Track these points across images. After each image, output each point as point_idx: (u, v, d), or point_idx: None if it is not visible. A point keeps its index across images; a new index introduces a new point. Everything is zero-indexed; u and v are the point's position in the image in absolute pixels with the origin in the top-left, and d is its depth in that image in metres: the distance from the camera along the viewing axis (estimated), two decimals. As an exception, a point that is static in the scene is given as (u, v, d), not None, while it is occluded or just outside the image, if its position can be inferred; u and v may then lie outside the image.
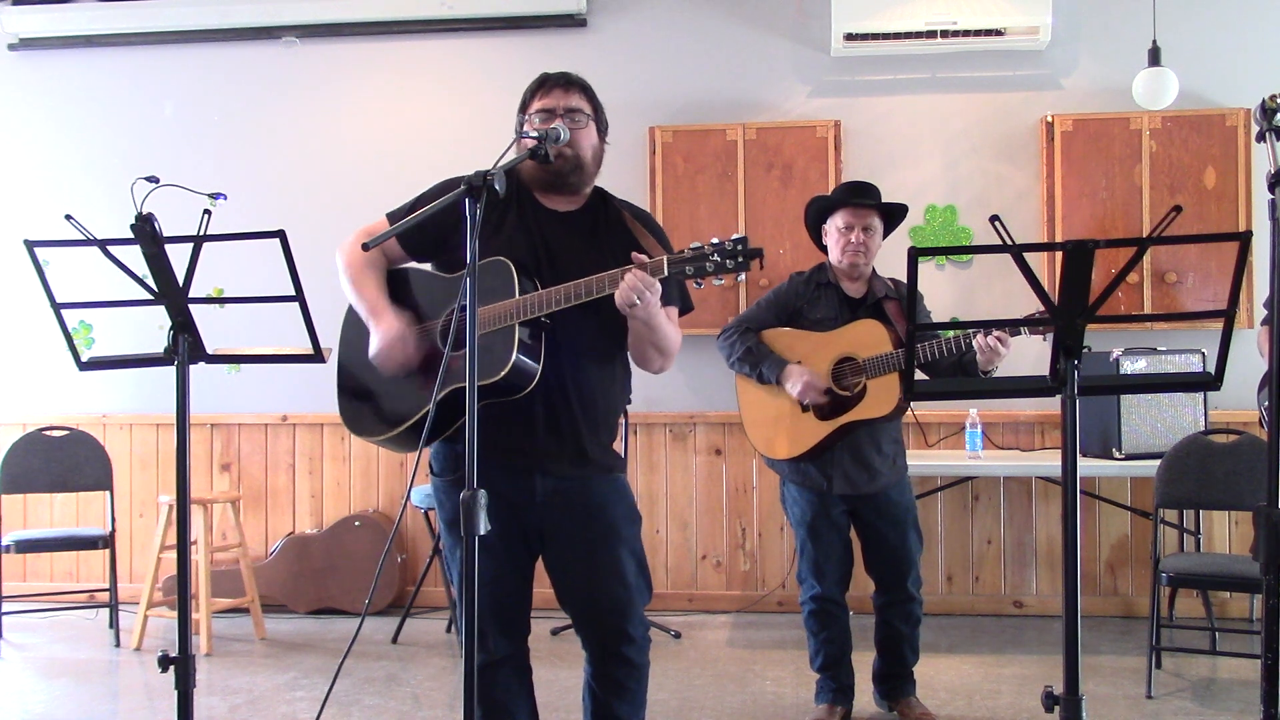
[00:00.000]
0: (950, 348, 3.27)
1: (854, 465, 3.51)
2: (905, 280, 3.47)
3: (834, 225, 3.56)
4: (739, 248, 2.21)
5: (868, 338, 3.44)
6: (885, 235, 3.62)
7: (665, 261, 2.25)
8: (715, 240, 2.23)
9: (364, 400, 2.62)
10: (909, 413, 4.37)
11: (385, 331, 2.45)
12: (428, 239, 2.52)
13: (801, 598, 3.68)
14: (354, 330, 2.65)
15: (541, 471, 2.45)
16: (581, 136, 2.47)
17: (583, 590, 2.51)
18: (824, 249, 3.65)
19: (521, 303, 2.33)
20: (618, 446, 2.67)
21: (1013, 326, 3.16)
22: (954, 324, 2.96)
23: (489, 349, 2.34)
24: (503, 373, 2.31)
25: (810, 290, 3.61)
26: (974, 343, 3.21)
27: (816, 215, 3.64)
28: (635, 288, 2.23)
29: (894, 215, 3.61)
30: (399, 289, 2.58)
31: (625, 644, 2.50)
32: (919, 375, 3.45)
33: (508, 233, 2.46)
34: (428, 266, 2.62)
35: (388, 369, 2.47)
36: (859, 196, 3.53)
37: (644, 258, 2.29)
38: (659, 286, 2.25)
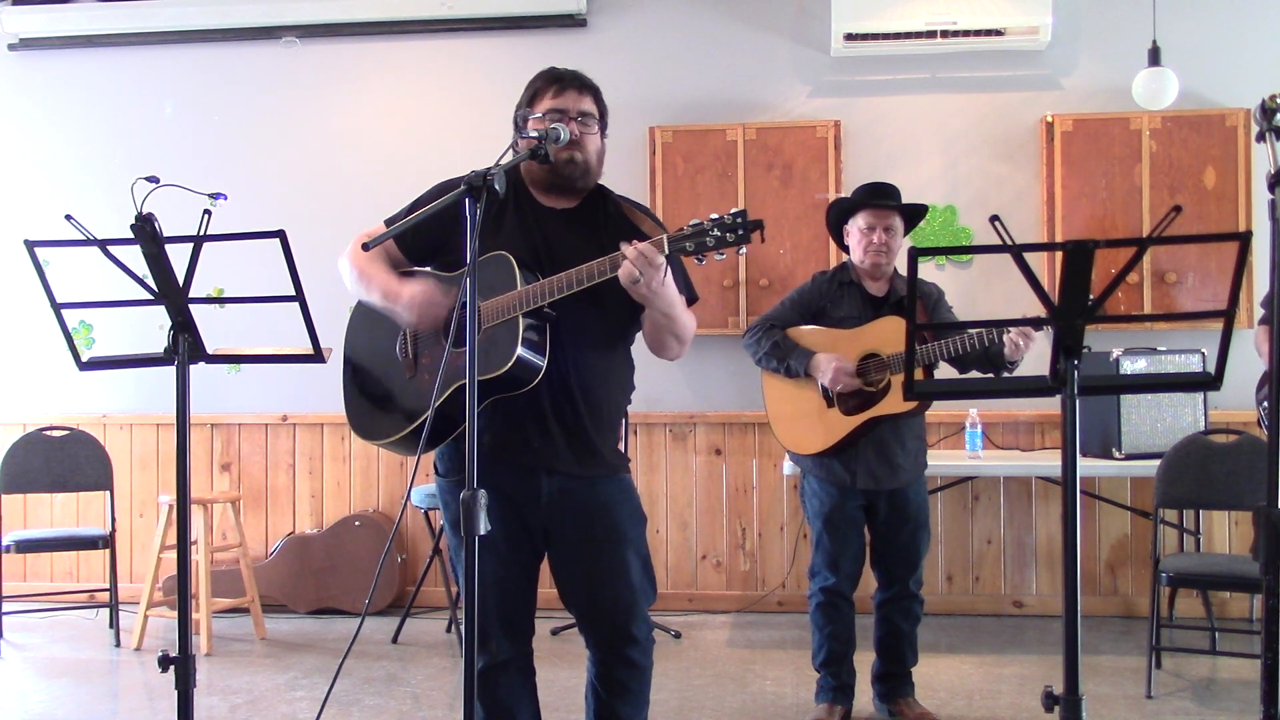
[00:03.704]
0: (976, 342, 3.33)
1: (878, 460, 3.55)
2: (925, 280, 3.57)
3: (856, 226, 3.61)
4: (739, 220, 2.19)
5: (892, 334, 3.48)
6: (906, 234, 3.68)
7: (665, 240, 2.24)
8: (714, 215, 2.21)
9: (371, 403, 2.61)
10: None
11: (411, 296, 2.41)
12: (426, 242, 2.51)
13: (810, 590, 3.70)
14: (360, 332, 2.65)
15: (548, 470, 2.45)
16: (590, 141, 2.47)
17: (587, 591, 2.51)
18: (845, 249, 3.70)
19: (524, 293, 2.32)
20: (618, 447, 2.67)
21: (1015, 326, 3.23)
22: (957, 324, 2.97)
23: (494, 342, 2.33)
24: (508, 365, 2.30)
25: (833, 289, 3.67)
26: (1004, 338, 3.29)
27: (838, 217, 3.67)
28: (636, 261, 2.21)
29: (914, 215, 3.67)
30: None
31: (629, 645, 2.50)
32: (944, 370, 3.52)
33: (507, 232, 2.46)
34: (427, 269, 2.62)
35: (429, 327, 2.44)
36: (880, 198, 3.58)
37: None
38: (661, 261, 2.22)
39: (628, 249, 2.22)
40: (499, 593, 2.46)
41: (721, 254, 2.21)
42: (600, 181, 2.57)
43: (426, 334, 2.50)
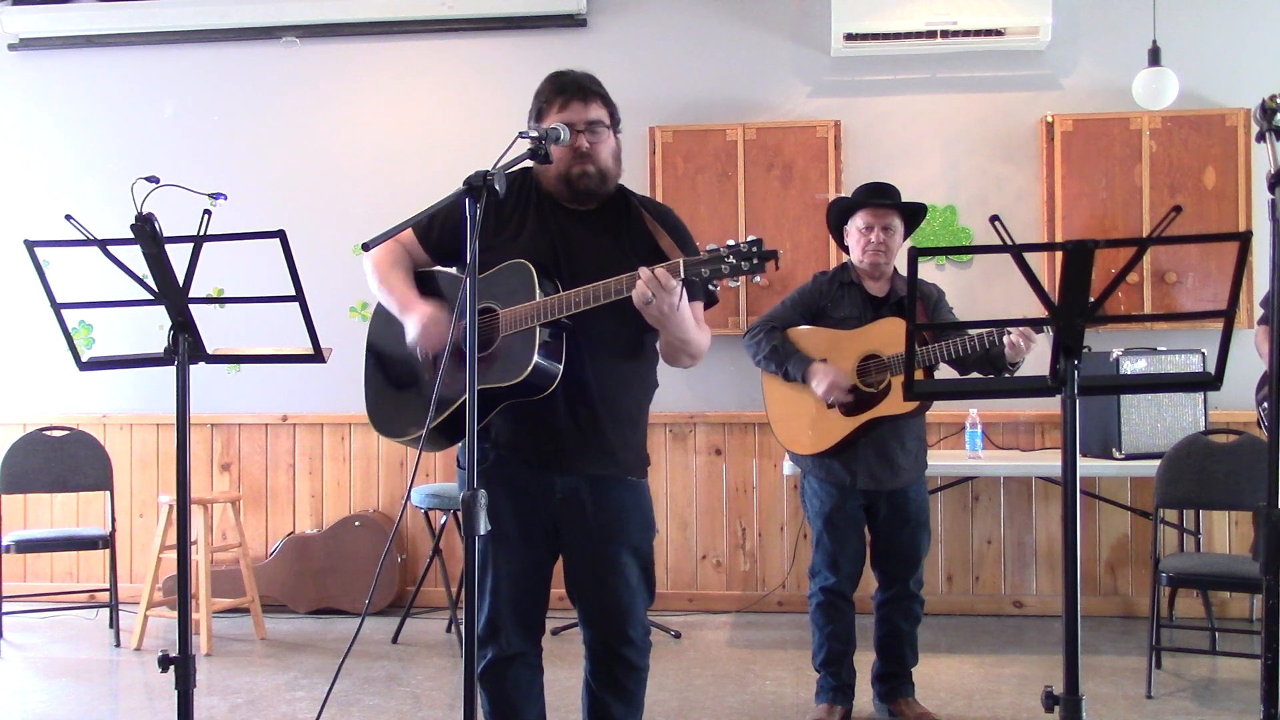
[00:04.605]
0: (977, 344, 3.32)
1: (878, 461, 3.56)
2: (926, 280, 3.58)
3: (855, 225, 3.62)
4: (754, 249, 2.22)
5: (893, 335, 3.49)
6: (907, 235, 3.68)
7: (681, 264, 2.26)
8: (731, 242, 2.24)
9: (392, 401, 2.64)
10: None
11: (419, 316, 2.47)
12: (450, 240, 2.53)
13: (810, 590, 3.70)
14: (382, 331, 2.68)
15: (562, 470, 2.46)
16: (603, 148, 2.47)
17: (588, 589, 2.54)
18: (846, 249, 3.71)
19: (542, 305, 2.34)
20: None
21: (1016, 327, 3.23)
22: (958, 324, 2.96)
23: (510, 351, 2.37)
24: (524, 374, 2.33)
25: (834, 289, 3.67)
26: (1005, 340, 3.28)
27: (838, 216, 3.68)
28: (650, 284, 2.23)
29: (915, 215, 3.68)
30: (425, 290, 2.60)
31: (624, 645, 2.53)
32: (944, 371, 3.52)
33: (528, 234, 2.48)
34: (453, 270, 2.64)
35: (429, 349, 2.47)
36: (878, 197, 3.59)
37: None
38: (675, 285, 2.25)
39: (644, 271, 2.24)
40: (512, 586, 2.48)
41: (736, 281, 2.24)
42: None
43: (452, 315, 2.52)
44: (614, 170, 2.52)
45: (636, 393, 2.57)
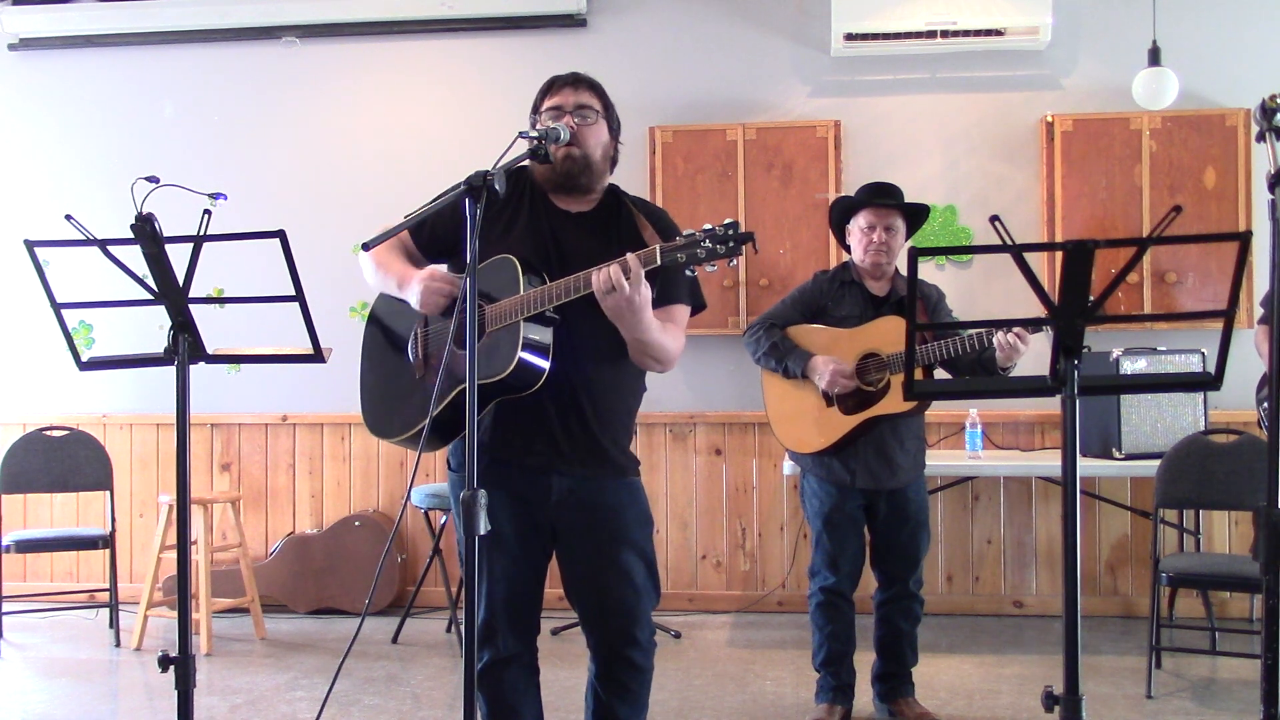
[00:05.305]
0: (970, 345, 3.31)
1: (877, 460, 3.56)
2: (926, 281, 3.58)
3: (857, 225, 3.62)
4: (730, 232, 2.18)
5: (892, 334, 3.49)
6: (909, 235, 3.67)
7: (658, 250, 2.23)
8: (707, 226, 2.20)
9: (384, 401, 2.63)
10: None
11: (419, 279, 2.44)
12: (441, 239, 2.53)
13: (810, 590, 3.70)
14: (375, 332, 2.67)
15: (557, 472, 2.45)
16: (590, 134, 2.46)
17: (591, 591, 2.52)
18: (847, 248, 3.71)
19: (525, 298, 2.33)
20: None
21: (1015, 326, 3.22)
22: (958, 323, 2.95)
23: (496, 347, 2.34)
24: (508, 369, 2.30)
25: (834, 288, 3.67)
26: (995, 340, 3.26)
27: (840, 215, 3.68)
28: (616, 272, 2.20)
29: (917, 216, 3.67)
30: None
31: (630, 647, 2.50)
32: (941, 372, 3.52)
33: (518, 233, 2.46)
34: (444, 268, 2.63)
35: (433, 308, 2.44)
36: (881, 197, 3.59)
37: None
38: (638, 268, 2.21)
39: (612, 267, 2.21)
40: (507, 588, 2.47)
41: (713, 266, 2.20)
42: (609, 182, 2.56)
43: (436, 334, 2.51)
44: (601, 165, 2.50)
45: (626, 396, 2.55)
